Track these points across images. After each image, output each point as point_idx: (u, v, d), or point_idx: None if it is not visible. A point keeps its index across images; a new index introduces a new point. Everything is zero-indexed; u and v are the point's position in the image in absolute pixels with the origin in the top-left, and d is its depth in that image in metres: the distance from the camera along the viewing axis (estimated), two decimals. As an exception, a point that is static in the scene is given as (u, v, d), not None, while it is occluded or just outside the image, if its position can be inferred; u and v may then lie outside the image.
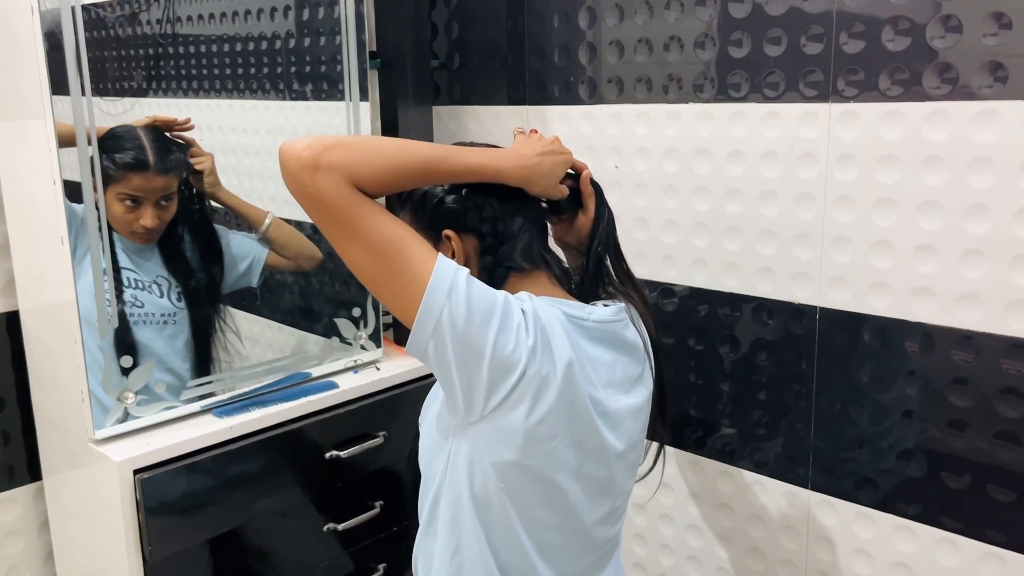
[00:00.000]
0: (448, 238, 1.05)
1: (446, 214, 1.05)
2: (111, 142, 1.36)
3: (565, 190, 1.12)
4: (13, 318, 1.55)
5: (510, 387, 0.94)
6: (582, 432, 1.01)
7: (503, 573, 1.02)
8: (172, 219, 1.49)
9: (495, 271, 1.06)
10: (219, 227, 1.57)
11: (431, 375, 1.75)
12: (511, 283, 1.06)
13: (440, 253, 0.96)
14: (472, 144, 1.09)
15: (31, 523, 1.63)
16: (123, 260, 1.43)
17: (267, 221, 1.58)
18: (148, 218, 1.41)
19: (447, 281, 0.93)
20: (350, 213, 0.93)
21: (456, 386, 0.95)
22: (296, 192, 0.94)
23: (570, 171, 1.14)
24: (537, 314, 0.97)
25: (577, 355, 0.99)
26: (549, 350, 0.96)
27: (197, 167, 1.48)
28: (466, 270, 0.95)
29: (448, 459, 1.01)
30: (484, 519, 1.00)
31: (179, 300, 1.49)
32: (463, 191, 1.05)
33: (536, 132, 1.14)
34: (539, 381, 0.95)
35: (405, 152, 0.98)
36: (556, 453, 0.99)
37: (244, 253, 1.59)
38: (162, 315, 1.46)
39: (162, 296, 1.47)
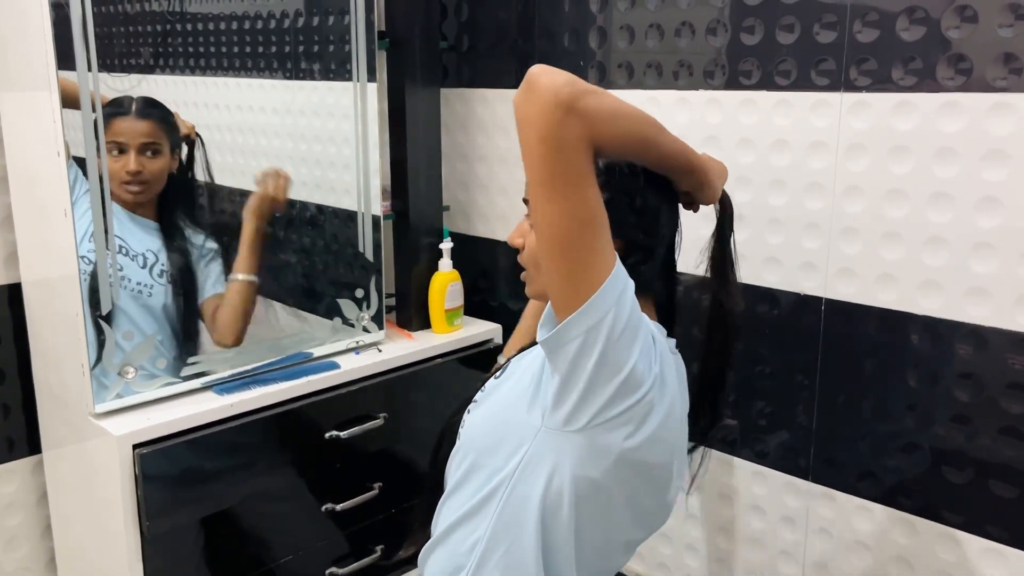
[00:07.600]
0: None
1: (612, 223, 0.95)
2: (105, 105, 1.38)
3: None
4: (15, 290, 1.55)
5: (626, 407, 0.90)
6: (659, 465, 0.98)
7: None
8: (174, 201, 1.50)
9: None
10: (202, 244, 1.56)
11: (433, 359, 1.76)
12: None
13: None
14: None
15: (30, 495, 1.63)
16: (116, 227, 1.43)
17: (239, 277, 1.57)
18: (131, 162, 1.43)
19: (620, 285, 0.87)
20: (578, 172, 0.84)
21: (576, 391, 0.89)
22: (531, 126, 0.84)
23: None
24: (658, 341, 0.95)
25: (681, 390, 0.97)
26: (663, 381, 0.94)
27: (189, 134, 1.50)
28: (632, 281, 0.90)
29: (523, 459, 0.97)
30: (547, 527, 0.97)
31: (160, 277, 1.49)
32: (636, 201, 1.00)
33: None
34: (648, 408, 0.92)
35: (642, 122, 0.91)
36: (631, 480, 0.97)
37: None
38: (138, 283, 1.46)
39: (144, 267, 1.47)
